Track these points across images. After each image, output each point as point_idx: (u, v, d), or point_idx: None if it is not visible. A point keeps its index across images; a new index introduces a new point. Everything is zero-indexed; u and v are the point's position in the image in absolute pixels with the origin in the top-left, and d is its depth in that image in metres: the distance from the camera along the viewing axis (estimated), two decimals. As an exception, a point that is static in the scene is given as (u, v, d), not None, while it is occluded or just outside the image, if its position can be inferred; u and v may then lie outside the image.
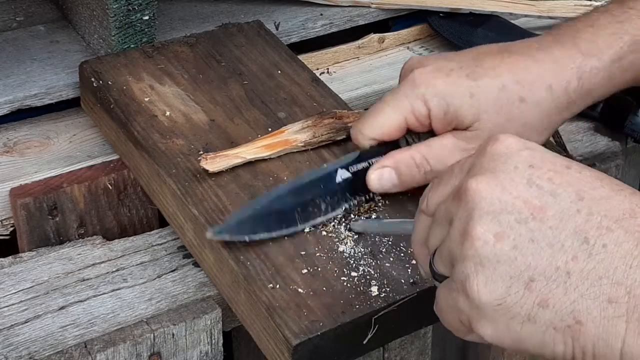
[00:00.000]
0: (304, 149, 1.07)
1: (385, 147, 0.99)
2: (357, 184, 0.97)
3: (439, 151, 0.97)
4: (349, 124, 1.08)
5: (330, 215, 0.96)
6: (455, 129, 0.97)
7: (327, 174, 0.96)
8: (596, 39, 0.98)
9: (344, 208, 0.97)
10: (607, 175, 0.69)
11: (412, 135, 0.99)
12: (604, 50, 0.98)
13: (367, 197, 0.98)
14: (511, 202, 0.67)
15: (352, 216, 0.97)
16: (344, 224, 0.96)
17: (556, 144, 1.08)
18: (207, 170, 1.01)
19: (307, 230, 0.95)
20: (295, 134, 1.07)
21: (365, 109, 1.18)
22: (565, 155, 1.07)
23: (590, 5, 1.47)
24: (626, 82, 1.00)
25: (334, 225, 0.96)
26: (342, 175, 0.96)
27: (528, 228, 0.66)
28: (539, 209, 0.66)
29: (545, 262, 0.65)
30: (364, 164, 0.98)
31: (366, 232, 0.95)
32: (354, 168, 0.97)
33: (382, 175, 0.97)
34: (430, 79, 0.96)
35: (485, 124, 0.95)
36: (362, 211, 0.98)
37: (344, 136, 1.08)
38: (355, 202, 0.97)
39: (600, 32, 0.99)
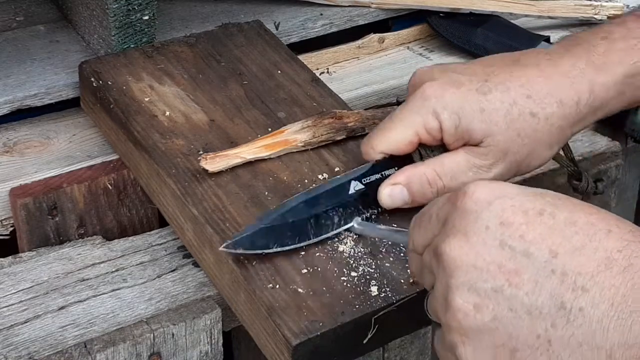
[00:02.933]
0: (303, 149, 1.07)
1: (398, 159, 0.97)
2: (370, 197, 0.96)
3: (452, 168, 0.95)
4: (349, 124, 1.08)
5: (342, 228, 0.94)
6: (466, 144, 0.95)
7: (341, 185, 0.95)
8: (609, 53, 0.97)
9: (354, 222, 0.95)
10: (583, 207, 0.68)
11: (426, 149, 0.97)
12: (617, 65, 0.96)
13: (379, 210, 0.97)
14: (486, 269, 0.66)
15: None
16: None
17: (566, 157, 1.07)
18: (207, 170, 1.01)
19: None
20: (295, 134, 1.07)
21: (366, 109, 1.18)
22: (573, 170, 1.07)
23: (590, 5, 1.47)
24: (636, 99, 0.99)
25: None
26: (355, 186, 0.95)
27: (505, 297, 0.65)
28: (514, 273, 0.65)
29: (526, 331, 0.65)
30: (377, 176, 0.97)
31: (364, 234, 0.95)
32: (367, 180, 0.96)
33: (393, 192, 0.96)
34: (441, 92, 0.94)
35: (496, 138, 0.94)
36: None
37: (344, 136, 1.08)
38: (368, 214, 0.96)
39: (613, 45, 0.97)
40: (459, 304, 0.67)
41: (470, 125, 0.94)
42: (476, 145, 0.95)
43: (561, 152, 1.07)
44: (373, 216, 0.97)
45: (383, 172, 0.97)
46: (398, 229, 0.91)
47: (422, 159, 0.97)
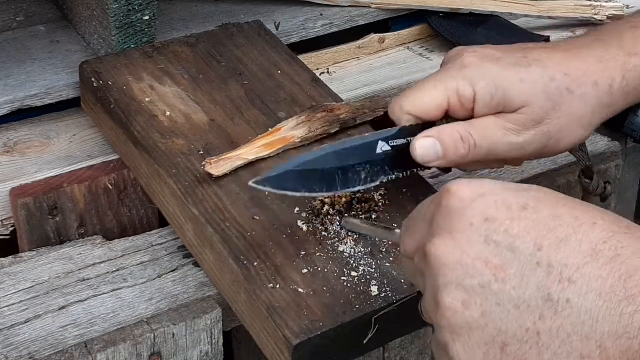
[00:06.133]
0: (301, 144, 1.07)
1: (424, 127, 0.96)
2: (396, 160, 0.96)
3: (482, 128, 0.95)
4: (341, 116, 1.09)
5: (368, 185, 0.95)
6: (499, 113, 0.96)
7: (369, 143, 0.95)
8: (638, 39, 0.99)
9: (381, 181, 0.95)
10: (567, 201, 0.68)
11: (450, 120, 0.96)
12: None
13: (405, 174, 0.97)
14: (472, 265, 0.66)
15: (346, 214, 0.97)
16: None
17: (582, 152, 1.08)
18: (212, 175, 1.01)
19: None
20: (292, 131, 1.07)
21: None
22: (587, 166, 1.08)
23: (590, 5, 1.47)
24: None
25: (333, 223, 0.97)
26: (382, 147, 0.95)
27: (492, 292, 0.65)
28: (500, 268, 0.65)
29: (515, 325, 0.65)
30: (403, 141, 0.96)
31: (355, 231, 0.95)
32: (394, 142, 0.95)
33: (426, 144, 0.95)
34: (480, 63, 0.95)
35: (533, 108, 0.95)
36: (361, 209, 0.98)
37: (338, 128, 1.08)
38: (393, 177, 0.96)
39: None
40: (447, 302, 0.67)
41: (508, 94, 0.94)
42: (510, 113, 0.95)
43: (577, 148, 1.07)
44: (398, 179, 0.96)
45: (409, 138, 0.96)
46: (392, 228, 0.90)
47: None
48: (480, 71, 0.95)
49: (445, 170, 1.01)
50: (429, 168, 0.97)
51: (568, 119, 0.96)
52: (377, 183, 0.95)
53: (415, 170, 0.97)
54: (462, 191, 0.69)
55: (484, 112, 0.95)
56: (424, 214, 0.72)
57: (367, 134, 0.97)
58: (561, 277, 0.64)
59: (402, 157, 0.96)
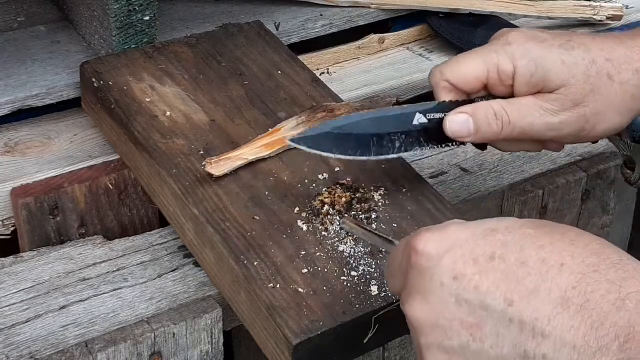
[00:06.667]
0: (301, 145, 1.07)
1: (462, 105, 0.98)
2: (432, 133, 0.97)
3: (519, 106, 0.96)
4: (341, 116, 1.09)
5: (402, 154, 0.98)
6: (538, 94, 0.96)
7: (406, 114, 0.97)
8: None
9: (415, 151, 0.98)
10: (536, 239, 0.67)
11: (489, 98, 0.97)
12: None
13: (439, 147, 0.98)
14: (449, 326, 0.67)
15: (347, 214, 0.98)
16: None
17: (623, 141, 1.09)
18: (212, 175, 1.01)
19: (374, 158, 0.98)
20: (292, 131, 1.07)
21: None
22: (629, 156, 1.08)
23: (589, 6, 1.47)
24: None
25: (333, 223, 0.97)
26: (419, 119, 0.97)
27: (472, 352, 0.66)
28: (476, 327, 0.66)
29: None
30: (440, 115, 0.97)
31: (353, 233, 0.95)
32: (431, 116, 0.97)
33: (457, 119, 0.96)
34: (524, 42, 0.96)
35: (571, 89, 0.95)
36: (361, 209, 0.99)
37: None
38: (428, 149, 0.98)
39: None
40: None
41: (548, 74, 0.95)
42: (548, 93, 0.96)
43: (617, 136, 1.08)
44: (433, 149, 0.98)
45: (447, 113, 0.97)
46: (388, 238, 0.90)
47: None
48: (523, 49, 0.95)
49: (482, 147, 1.02)
50: (464, 144, 0.98)
51: (605, 104, 0.96)
52: (411, 153, 0.97)
53: (450, 144, 0.98)
54: (429, 248, 0.70)
55: (523, 90, 0.96)
56: (399, 262, 0.73)
57: (405, 105, 0.98)
58: (534, 332, 0.64)
59: (437, 131, 0.97)
